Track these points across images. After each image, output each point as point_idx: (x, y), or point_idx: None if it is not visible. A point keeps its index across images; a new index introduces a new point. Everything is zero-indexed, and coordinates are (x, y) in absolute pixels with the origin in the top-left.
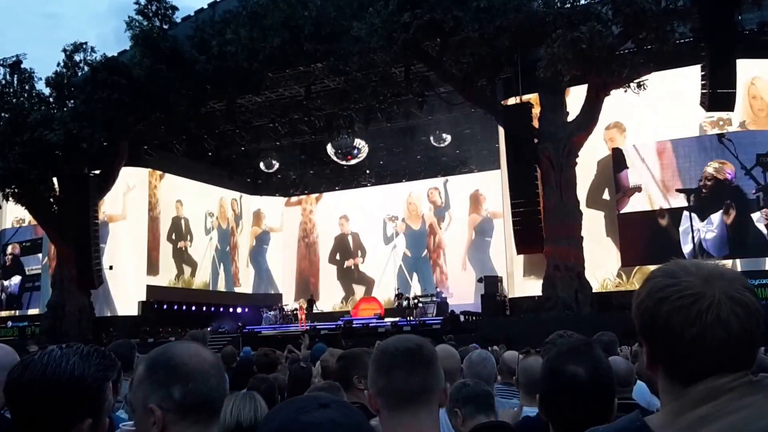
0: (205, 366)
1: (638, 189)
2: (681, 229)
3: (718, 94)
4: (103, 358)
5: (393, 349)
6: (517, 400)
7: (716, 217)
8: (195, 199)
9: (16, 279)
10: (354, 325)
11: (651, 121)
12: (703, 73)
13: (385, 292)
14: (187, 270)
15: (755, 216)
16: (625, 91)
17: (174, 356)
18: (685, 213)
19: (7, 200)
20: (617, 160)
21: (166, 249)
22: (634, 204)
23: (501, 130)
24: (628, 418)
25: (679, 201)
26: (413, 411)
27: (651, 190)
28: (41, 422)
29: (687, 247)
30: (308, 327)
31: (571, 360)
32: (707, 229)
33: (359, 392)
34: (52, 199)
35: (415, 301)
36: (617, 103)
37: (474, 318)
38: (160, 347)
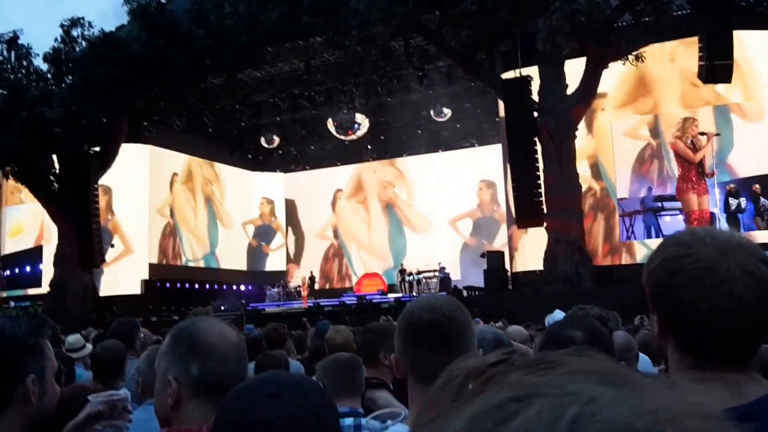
0: (226, 347)
1: None
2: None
3: (716, 66)
4: (33, 317)
5: (418, 320)
6: None
7: None
8: (196, 176)
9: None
10: (356, 302)
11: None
12: (700, 45)
13: (386, 267)
14: (189, 248)
15: None
16: (624, 64)
17: (198, 332)
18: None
19: (7, 178)
20: None
21: (168, 226)
22: None
23: (501, 104)
24: None
25: None
26: None
27: None
28: None
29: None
30: (312, 304)
31: (568, 326)
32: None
33: (384, 368)
34: (52, 177)
35: (418, 276)
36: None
37: (477, 293)
38: (188, 320)
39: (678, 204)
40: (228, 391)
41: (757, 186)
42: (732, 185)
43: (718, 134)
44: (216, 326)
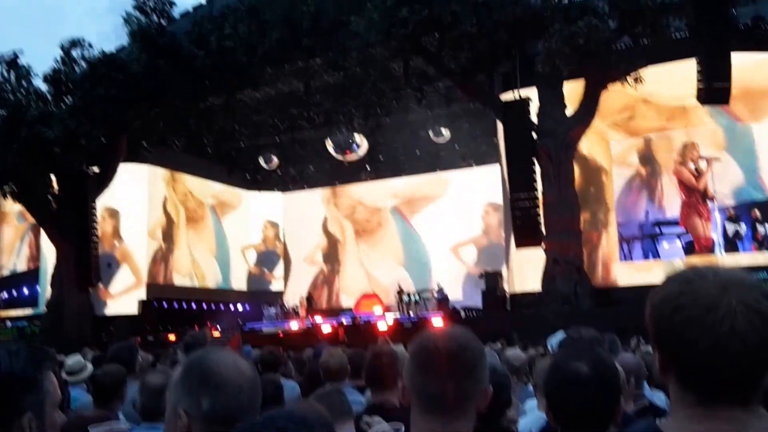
0: (239, 380)
1: None
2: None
3: (714, 88)
4: (34, 351)
5: (433, 348)
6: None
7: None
8: (195, 196)
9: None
10: (353, 322)
11: None
12: (699, 67)
13: (384, 288)
14: (186, 268)
15: None
16: (623, 85)
17: (210, 364)
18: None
19: (5, 198)
20: None
21: (164, 246)
22: None
23: (500, 125)
24: (642, 424)
25: None
26: (446, 420)
27: None
28: None
29: None
30: (310, 325)
31: (574, 357)
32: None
33: (395, 391)
34: (50, 197)
35: (416, 296)
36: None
37: (474, 314)
38: (201, 351)
39: (676, 229)
40: None
41: (757, 211)
42: (731, 210)
43: (717, 159)
44: (229, 359)
